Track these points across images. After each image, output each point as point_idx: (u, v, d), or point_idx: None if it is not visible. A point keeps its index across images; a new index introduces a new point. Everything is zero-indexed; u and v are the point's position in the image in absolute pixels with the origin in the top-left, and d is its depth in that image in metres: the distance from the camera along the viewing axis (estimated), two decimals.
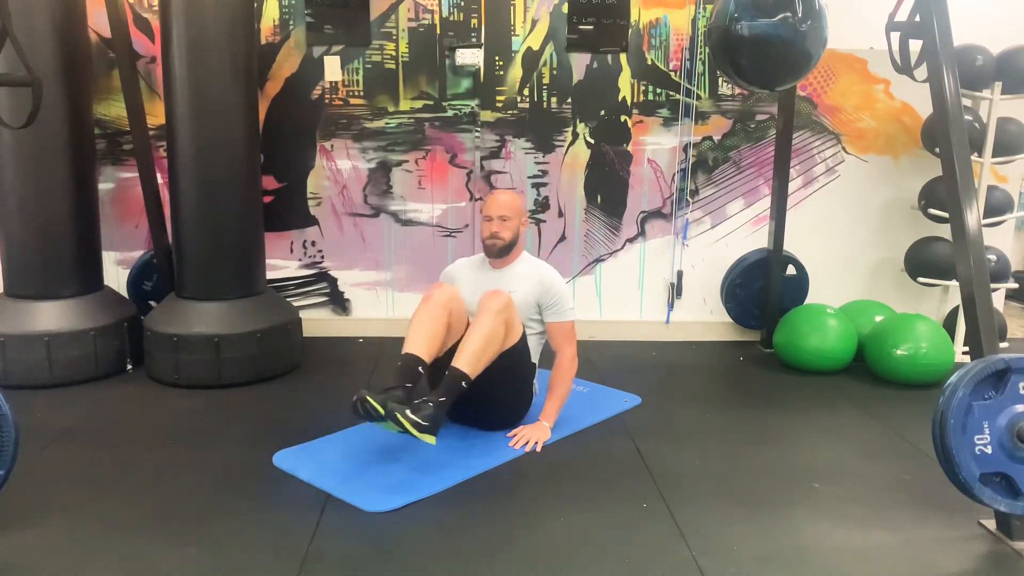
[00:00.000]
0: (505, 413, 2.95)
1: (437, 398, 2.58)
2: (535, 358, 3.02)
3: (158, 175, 3.95)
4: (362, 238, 4.35)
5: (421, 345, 2.69)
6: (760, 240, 4.31)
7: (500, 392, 2.85)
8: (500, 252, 2.96)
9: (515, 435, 2.85)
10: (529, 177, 4.32)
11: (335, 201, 4.30)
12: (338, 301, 4.42)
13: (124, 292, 4.03)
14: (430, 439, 2.51)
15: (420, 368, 2.67)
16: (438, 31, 4.16)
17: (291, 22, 4.10)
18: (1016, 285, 4.33)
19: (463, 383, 2.62)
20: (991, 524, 2.31)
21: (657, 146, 4.32)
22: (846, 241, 4.42)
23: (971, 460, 2.11)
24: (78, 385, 3.41)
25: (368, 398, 2.45)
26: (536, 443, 2.81)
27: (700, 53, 4.20)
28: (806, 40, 2.92)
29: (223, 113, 3.44)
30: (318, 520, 2.28)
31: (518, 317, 2.81)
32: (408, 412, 2.48)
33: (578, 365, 2.98)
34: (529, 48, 4.20)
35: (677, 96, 4.27)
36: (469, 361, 2.64)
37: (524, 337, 2.86)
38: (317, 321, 4.30)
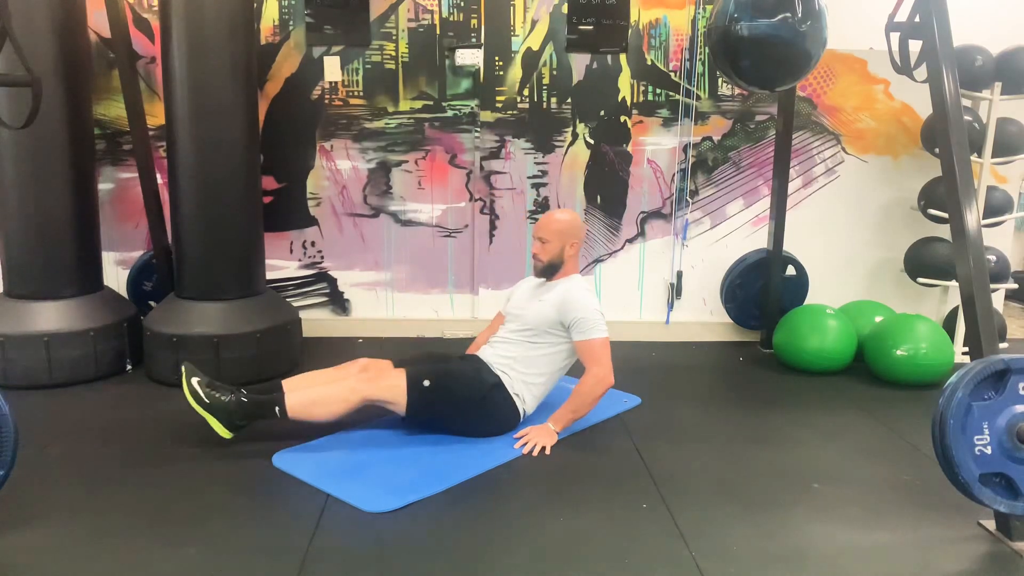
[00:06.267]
0: (481, 424, 2.88)
1: (241, 396, 2.64)
2: (555, 368, 2.96)
3: (158, 175, 3.95)
4: (362, 238, 4.34)
5: (295, 384, 2.80)
6: (760, 240, 4.31)
7: (455, 410, 2.84)
8: (541, 273, 3.02)
9: (521, 436, 2.84)
10: (529, 177, 4.32)
11: (335, 201, 4.30)
12: (338, 301, 4.42)
13: (124, 292, 4.03)
14: (216, 425, 2.59)
15: (276, 394, 2.71)
16: (438, 31, 4.16)
17: (291, 22, 4.10)
18: (1016, 285, 4.33)
19: (276, 409, 2.65)
20: (991, 524, 2.31)
21: (657, 146, 4.32)
22: (846, 241, 4.42)
23: (971, 460, 2.11)
24: (78, 385, 3.41)
25: (184, 365, 2.61)
26: (544, 447, 2.78)
27: (700, 53, 4.20)
28: (806, 40, 2.93)
29: (223, 113, 3.44)
30: (318, 520, 2.28)
31: (386, 377, 2.79)
32: (196, 380, 2.57)
33: (609, 386, 2.84)
34: (529, 48, 4.20)
35: (677, 96, 4.26)
36: (299, 401, 2.68)
37: (409, 377, 2.78)
38: (317, 321, 4.30)
